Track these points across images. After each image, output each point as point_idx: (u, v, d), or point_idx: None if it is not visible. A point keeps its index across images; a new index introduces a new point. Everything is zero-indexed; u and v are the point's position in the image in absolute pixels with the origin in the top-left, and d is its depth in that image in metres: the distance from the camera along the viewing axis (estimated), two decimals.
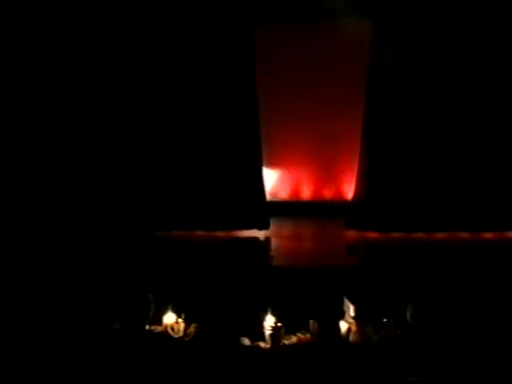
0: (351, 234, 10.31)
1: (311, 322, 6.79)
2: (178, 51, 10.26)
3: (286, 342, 6.71)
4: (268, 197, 10.66)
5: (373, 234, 10.13)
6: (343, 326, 6.78)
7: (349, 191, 10.83)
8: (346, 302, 6.87)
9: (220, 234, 10.24)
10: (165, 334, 6.77)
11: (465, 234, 9.77)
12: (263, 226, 10.27)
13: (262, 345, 6.68)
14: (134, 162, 10.18)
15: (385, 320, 6.74)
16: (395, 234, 9.95)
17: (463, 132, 9.82)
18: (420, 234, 9.97)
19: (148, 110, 10.29)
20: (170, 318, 6.81)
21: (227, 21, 10.20)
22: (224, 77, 10.35)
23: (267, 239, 10.11)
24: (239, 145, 10.27)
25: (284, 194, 10.90)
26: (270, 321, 6.75)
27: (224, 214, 10.13)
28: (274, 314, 6.77)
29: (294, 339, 6.75)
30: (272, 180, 10.77)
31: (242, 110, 10.32)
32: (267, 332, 6.71)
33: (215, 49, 10.28)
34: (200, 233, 10.24)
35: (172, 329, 6.79)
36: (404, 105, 9.99)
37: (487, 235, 9.69)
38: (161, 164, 10.26)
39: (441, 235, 9.90)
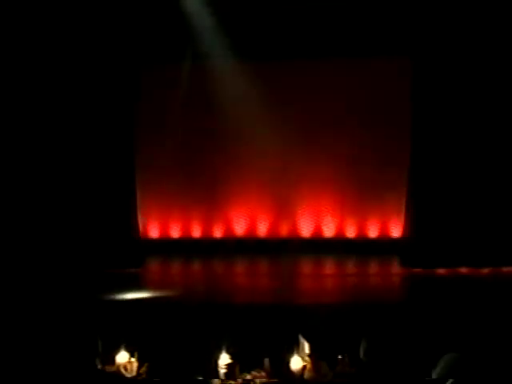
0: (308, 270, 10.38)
1: (266, 360, 6.75)
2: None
3: (241, 380, 6.65)
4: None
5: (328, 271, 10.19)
6: (298, 363, 6.76)
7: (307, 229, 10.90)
8: (301, 339, 6.85)
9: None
10: (117, 374, 6.66)
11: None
12: (135, 264, 10.34)
13: (217, 383, 6.62)
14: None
15: (340, 357, 6.73)
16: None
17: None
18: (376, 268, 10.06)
19: (16, 147, 10.35)
20: (122, 357, 6.71)
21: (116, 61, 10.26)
22: (102, 112, 10.42)
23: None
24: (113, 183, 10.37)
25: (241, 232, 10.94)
26: (224, 359, 6.69)
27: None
28: (228, 352, 6.72)
29: (248, 377, 6.69)
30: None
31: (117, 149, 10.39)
32: (222, 370, 6.65)
33: (98, 87, 10.35)
34: None
35: (125, 368, 6.69)
36: (444, 142, 9.99)
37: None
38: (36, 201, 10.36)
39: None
